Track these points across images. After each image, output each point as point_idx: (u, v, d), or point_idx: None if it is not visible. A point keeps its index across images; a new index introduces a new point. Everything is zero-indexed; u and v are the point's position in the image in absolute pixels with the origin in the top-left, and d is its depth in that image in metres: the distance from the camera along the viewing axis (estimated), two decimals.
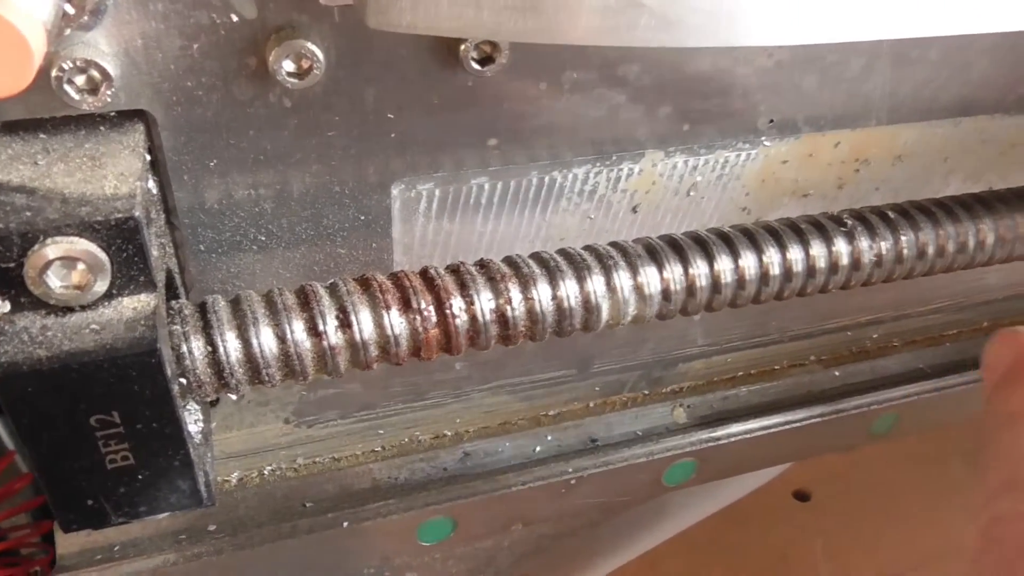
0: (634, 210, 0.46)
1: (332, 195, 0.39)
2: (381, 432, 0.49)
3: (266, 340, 0.33)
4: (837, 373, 0.58)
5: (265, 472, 0.48)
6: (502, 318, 0.37)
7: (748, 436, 0.53)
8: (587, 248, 0.39)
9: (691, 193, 0.46)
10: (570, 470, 0.50)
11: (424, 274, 0.36)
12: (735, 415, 0.55)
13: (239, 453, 0.47)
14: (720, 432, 0.53)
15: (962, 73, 0.46)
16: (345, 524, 0.46)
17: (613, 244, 0.39)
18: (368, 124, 0.37)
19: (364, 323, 0.35)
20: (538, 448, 0.52)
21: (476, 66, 0.36)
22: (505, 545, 0.59)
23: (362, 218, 0.40)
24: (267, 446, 0.47)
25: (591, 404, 0.54)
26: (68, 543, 0.43)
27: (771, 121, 0.44)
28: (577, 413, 0.53)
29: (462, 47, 0.35)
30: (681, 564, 1.00)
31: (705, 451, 0.53)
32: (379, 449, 0.50)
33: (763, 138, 0.45)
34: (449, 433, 0.51)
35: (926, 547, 1.03)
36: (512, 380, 0.50)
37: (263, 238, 0.39)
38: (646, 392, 0.55)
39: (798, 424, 0.55)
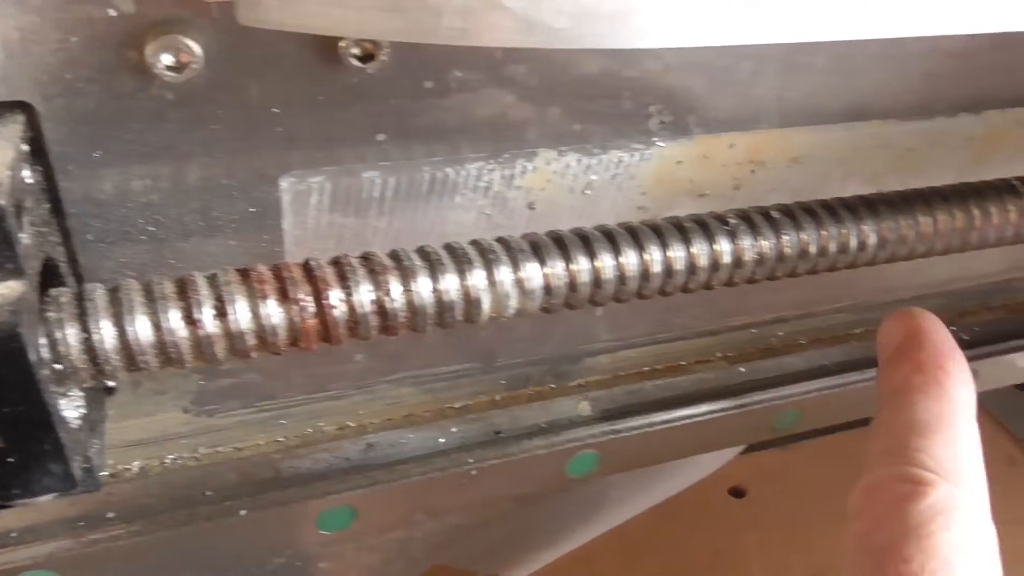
0: (531, 207, 0.47)
1: (220, 187, 0.39)
2: (284, 422, 0.50)
3: (141, 328, 0.34)
4: (743, 369, 0.60)
5: (167, 461, 0.48)
6: (381, 309, 0.38)
7: (650, 429, 0.55)
8: (472, 243, 0.40)
9: (587, 192, 0.47)
10: (471, 461, 0.51)
11: (305, 265, 0.37)
12: (639, 409, 0.56)
13: (139, 442, 0.47)
14: (622, 425, 0.54)
15: (850, 79, 0.48)
16: (243, 512, 0.47)
17: (499, 239, 0.40)
18: (253, 118, 0.38)
19: (241, 312, 0.35)
20: (442, 440, 0.52)
21: (357, 63, 0.37)
22: (417, 535, 0.60)
23: (252, 210, 0.41)
24: (168, 435, 0.47)
25: (497, 397, 0.55)
26: None
27: (662, 123, 0.46)
28: (482, 406, 0.54)
29: (341, 44, 0.36)
30: (615, 559, 1.01)
31: (607, 443, 0.54)
32: (282, 439, 0.50)
33: (655, 139, 0.46)
34: (353, 424, 0.52)
35: None
36: (415, 372, 0.51)
37: (152, 228, 0.39)
38: (552, 386, 0.56)
39: (700, 418, 0.56)
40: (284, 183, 0.40)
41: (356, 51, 0.36)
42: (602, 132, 0.45)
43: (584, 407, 0.56)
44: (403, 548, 0.60)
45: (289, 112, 0.38)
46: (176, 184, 0.39)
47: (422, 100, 0.40)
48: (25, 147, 0.34)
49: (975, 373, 0.65)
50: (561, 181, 0.46)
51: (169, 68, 0.34)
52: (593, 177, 0.47)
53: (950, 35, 0.48)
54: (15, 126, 0.34)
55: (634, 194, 0.48)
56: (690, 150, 0.48)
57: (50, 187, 0.37)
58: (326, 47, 0.36)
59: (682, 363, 0.59)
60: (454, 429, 0.53)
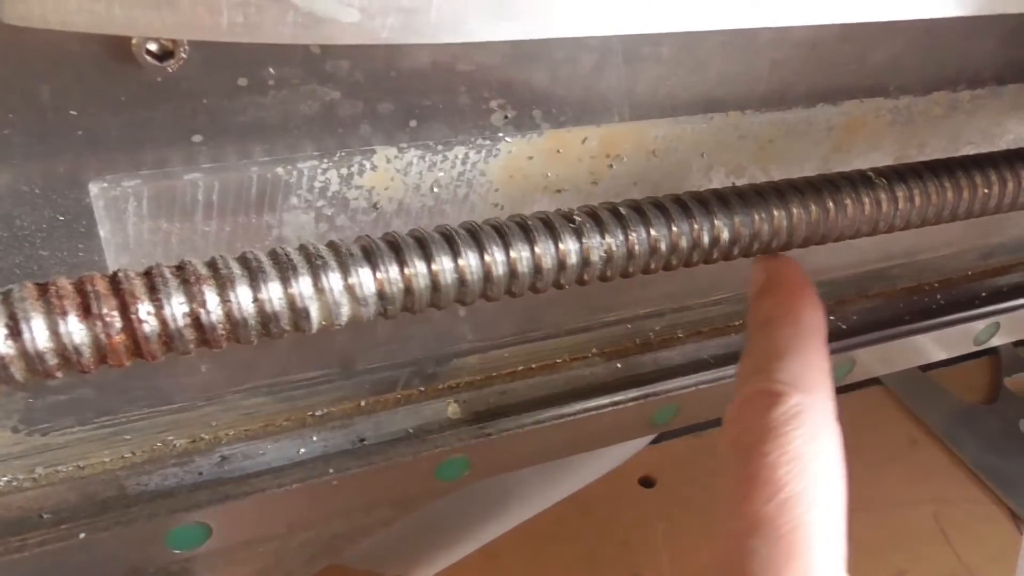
0: (375, 207, 0.45)
1: (21, 195, 0.37)
2: (128, 437, 0.47)
3: None
4: (619, 365, 0.59)
5: (0, 483, 0.46)
6: (197, 322, 0.36)
7: (519, 431, 0.54)
8: (299, 248, 0.38)
9: (435, 189, 0.46)
10: (331, 471, 0.49)
11: (112, 278, 0.35)
12: (511, 410, 0.55)
13: None
14: (491, 427, 0.53)
15: (698, 70, 0.47)
16: (82, 535, 0.45)
17: (329, 244, 0.39)
18: (48, 122, 0.35)
19: (37, 331, 0.33)
20: (303, 450, 0.51)
21: (155, 61, 0.34)
22: (292, 547, 0.58)
23: (61, 219, 0.38)
24: None
25: (362, 403, 0.53)
26: None
27: (506, 117, 0.44)
28: (346, 412, 0.52)
29: (133, 41, 0.34)
30: (524, 553, 1.01)
31: (477, 446, 0.53)
32: (128, 455, 0.48)
33: (501, 134, 0.45)
34: (206, 436, 0.49)
35: None
36: (269, 380, 0.49)
37: None
38: (421, 389, 0.54)
39: (572, 417, 0.55)
40: (94, 188, 0.38)
41: (152, 48, 0.34)
42: (441, 128, 0.43)
43: (454, 409, 0.55)
44: (279, 559, 0.58)
45: (89, 114, 0.36)
46: None
47: (238, 98, 0.38)
48: None
49: (853, 361, 0.66)
50: (405, 179, 0.44)
51: None
52: (440, 174, 0.45)
53: (795, 26, 0.48)
54: None
55: (486, 191, 0.47)
56: (540, 145, 0.46)
57: None
58: (118, 45, 0.34)
59: (557, 361, 0.58)
60: (315, 438, 0.51)
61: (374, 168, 0.43)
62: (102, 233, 0.40)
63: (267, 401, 0.50)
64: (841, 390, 1.19)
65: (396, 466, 0.51)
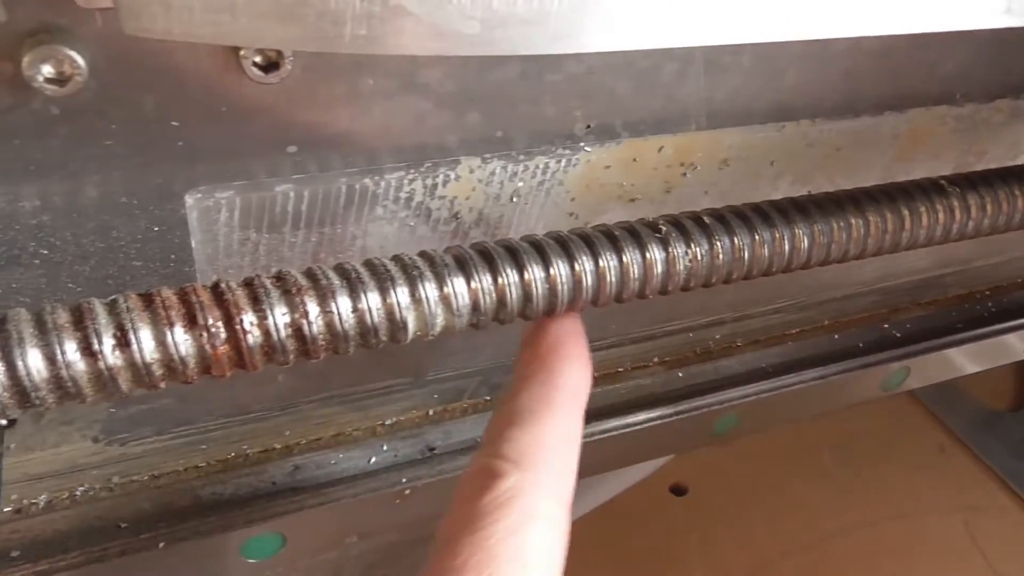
0: (456, 216, 0.45)
1: (119, 206, 0.37)
2: (204, 447, 0.47)
3: (33, 362, 0.31)
4: (680, 374, 0.59)
5: (77, 493, 0.45)
6: (299, 333, 0.35)
7: (586, 440, 0.53)
8: (393, 258, 0.38)
9: (515, 199, 0.46)
10: (404, 480, 0.49)
11: (215, 288, 0.35)
12: None
13: (45, 474, 0.44)
14: None
15: (775, 80, 0.47)
16: (161, 545, 0.44)
17: (421, 254, 0.39)
18: (151, 133, 0.35)
19: (145, 341, 0.33)
20: (373, 459, 0.51)
21: (259, 73, 0.34)
22: (352, 555, 0.57)
23: (156, 229, 0.38)
24: (77, 466, 0.45)
25: (430, 412, 0.53)
26: None
27: (588, 127, 0.44)
28: (415, 421, 0.52)
29: (241, 53, 0.34)
30: None
31: None
32: (202, 465, 0.48)
33: (582, 144, 0.45)
34: (278, 446, 0.49)
35: (795, 535, 1.06)
36: (343, 390, 0.49)
37: (45, 252, 0.37)
38: (487, 398, 0.54)
39: (639, 427, 0.55)
40: (189, 199, 0.38)
41: (258, 60, 0.34)
42: (525, 138, 0.43)
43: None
44: (338, 569, 0.58)
45: (190, 125, 0.35)
46: (70, 204, 0.36)
47: (333, 110, 0.38)
48: None
49: (908, 369, 0.66)
50: (486, 189, 0.44)
51: (50, 80, 0.32)
52: (520, 184, 0.45)
53: (870, 36, 0.48)
54: None
55: (563, 200, 0.47)
56: (618, 154, 0.46)
57: None
58: (226, 56, 0.34)
59: (620, 369, 0.58)
60: (385, 447, 0.51)
61: (457, 178, 0.43)
62: (194, 243, 0.39)
63: (339, 411, 0.50)
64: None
65: None
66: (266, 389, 0.47)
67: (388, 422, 0.52)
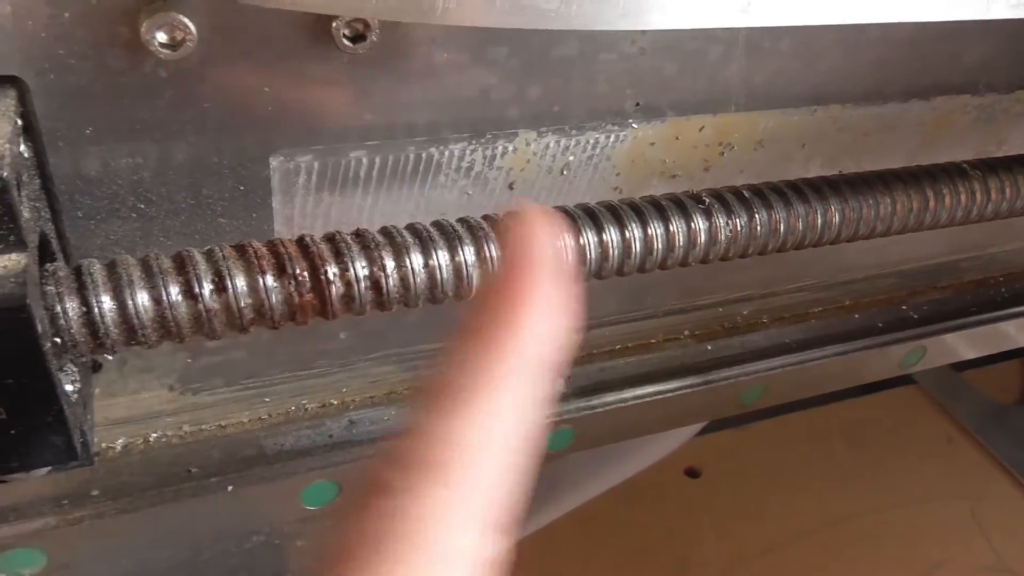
0: (510, 187, 0.48)
1: (210, 165, 0.40)
2: (267, 400, 0.50)
3: (141, 301, 0.35)
4: (709, 347, 0.62)
5: (151, 439, 0.49)
6: (376, 284, 0.39)
7: (622, 405, 0.57)
8: (460, 220, 0.41)
9: (564, 172, 0.49)
10: None
11: (300, 241, 0.38)
12: (612, 386, 0.58)
13: (123, 420, 0.47)
14: (596, 401, 0.56)
15: (812, 64, 0.50)
16: (230, 488, 0.48)
17: (485, 217, 0.42)
18: (244, 97, 0.38)
19: (239, 287, 0.36)
20: None
21: (348, 43, 0.38)
22: None
23: (241, 188, 0.41)
24: (152, 413, 0.48)
25: None
26: None
27: (637, 104, 0.47)
28: None
29: (334, 24, 0.37)
30: (574, 539, 1.03)
31: (582, 419, 0.56)
32: (265, 416, 0.51)
33: (630, 121, 0.48)
34: (335, 402, 0.52)
35: (808, 519, 1.09)
36: (397, 350, 0.52)
37: (142, 206, 0.40)
38: None
39: (671, 394, 0.58)
40: (274, 162, 0.41)
41: (347, 32, 0.37)
42: (579, 113, 0.46)
43: (559, 384, 0.58)
44: None
45: (279, 91, 0.39)
46: (166, 162, 0.39)
47: (408, 81, 0.41)
48: (20, 121, 0.34)
49: (924, 349, 0.69)
50: (540, 162, 0.47)
51: (164, 45, 0.35)
52: (571, 158, 0.48)
53: (902, 23, 0.51)
54: (8, 101, 0.34)
55: (609, 175, 0.50)
56: (663, 132, 0.49)
57: (40, 163, 0.37)
58: (318, 27, 0.37)
59: (652, 341, 0.61)
60: None
61: (515, 150, 0.46)
62: (274, 204, 0.43)
63: (393, 370, 0.53)
64: (876, 388, 1.21)
65: None
66: (328, 346, 0.50)
67: None
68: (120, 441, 0.48)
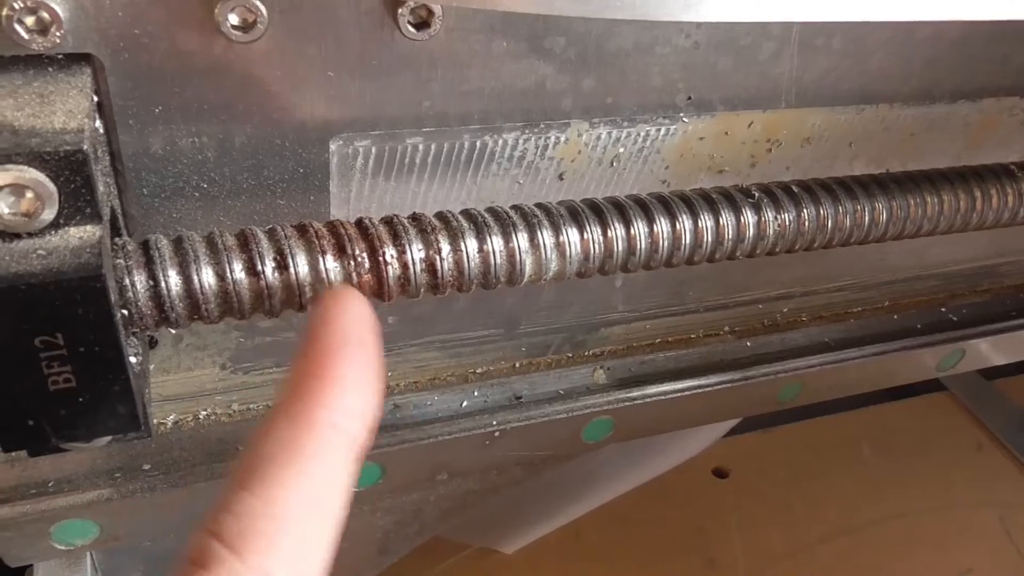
0: (560, 178, 0.49)
1: (273, 147, 0.41)
2: None
3: (206, 277, 0.36)
4: (748, 344, 0.62)
5: (200, 416, 0.49)
6: (431, 267, 0.39)
7: (662, 398, 0.57)
8: (514, 207, 0.42)
9: (614, 164, 0.49)
10: (494, 423, 0.53)
11: (359, 223, 0.39)
12: (651, 379, 0.58)
13: (176, 396, 0.48)
14: (636, 393, 0.57)
15: (861, 63, 0.50)
16: None
17: (538, 205, 0.42)
18: (308, 81, 0.39)
19: (300, 266, 0.37)
20: (465, 403, 0.54)
21: (412, 30, 0.38)
22: (431, 500, 0.61)
23: (301, 171, 0.42)
24: (203, 391, 0.49)
25: (517, 364, 0.57)
26: (2, 478, 0.45)
27: (689, 98, 0.48)
28: (503, 371, 0.56)
29: (400, 11, 0.37)
30: (602, 535, 1.04)
31: (621, 410, 0.56)
32: None
33: (681, 114, 0.48)
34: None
35: (836, 522, 1.09)
36: (442, 337, 0.53)
37: (205, 185, 0.41)
38: (570, 355, 0.58)
39: (709, 388, 0.58)
40: (333, 146, 0.42)
41: (412, 18, 0.38)
42: (632, 106, 0.47)
43: (600, 375, 0.58)
44: (418, 511, 0.62)
45: (342, 76, 0.39)
46: (230, 142, 0.40)
47: (467, 69, 0.41)
48: (95, 98, 0.35)
49: (962, 352, 0.68)
50: (591, 153, 0.48)
51: (236, 27, 0.36)
52: (621, 150, 0.49)
53: (952, 23, 0.51)
54: (84, 78, 0.35)
55: (658, 168, 0.50)
56: (712, 127, 0.50)
57: (109, 140, 0.38)
58: (384, 13, 0.38)
59: (692, 336, 0.61)
60: (476, 393, 0.55)
61: (567, 141, 0.47)
62: (331, 187, 0.43)
63: (437, 356, 0.54)
64: (907, 395, 1.20)
65: (551, 422, 0.54)
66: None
67: (479, 371, 0.56)
68: (171, 417, 0.49)
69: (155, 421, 0.48)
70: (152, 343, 0.46)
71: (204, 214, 0.42)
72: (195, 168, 0.40)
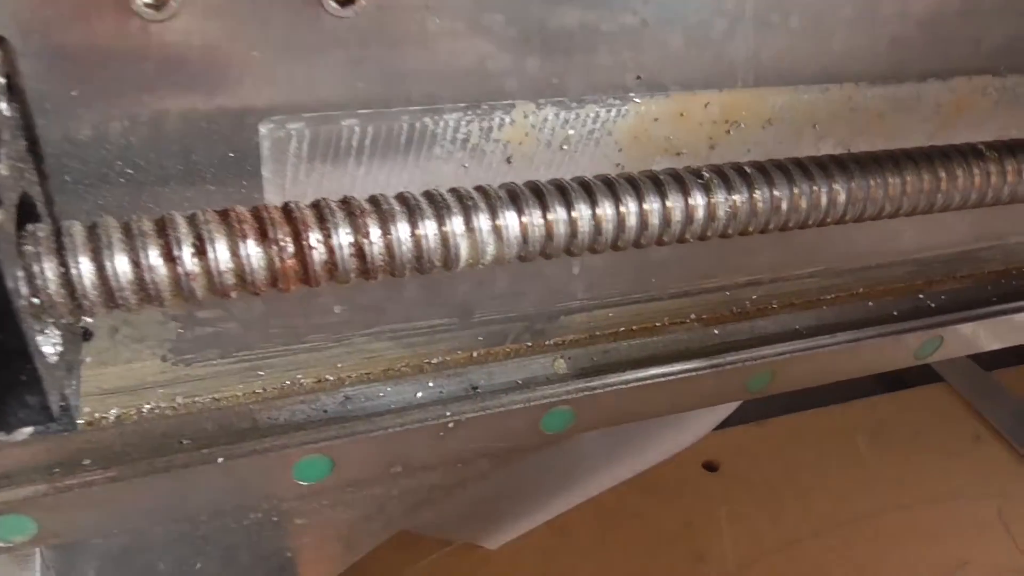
0: (508, 161, 0.47)
1: (199, 131, 0.40)
2: (262, 374, 0.50)
3: (120, 264, 0.34)
4: (716, 332, 0.61)
5: (144, 410, 0.48)
6: (360, 252, 0.38)
7: (623, 387, 0.56)
8: (451, 190, 0.40)
9: (564, 147, 0.48)
10: (448, 413, 0.52)
11: (284, 207, 0.38)
12: (615, 368, 0.57)
13: (116, 390, 0.47)
14: (596, 382, 0.55)
15: (823, 42, 0.48)
16: (220, 460, 0.47)
17: (477, 188, 0.41)
18: (234, 62, 0.38)
19: (220, 251, 0.36)
20: (419, 394, 0.53)
21: (336, 6, 0.37)
22: (395, 493, 0.60)
23: (231, 155, 0.41)
24: (145, 383, 0.48)
25: (474, 354, 0.55)
26: None
27: (639, 78, 0.46)
28: (460, 362, 0.55)
29: None
30: (591, 529, 1.03)
31: (581, 400, 0.55)
32: (260, 391, 0.51)
33: (632, 95, 0.47)
34: (331, 377, 0.52)
35: (828, 515, 1.07)
36: (393, 326, 0.52)
37: (131, 171, 0.40)
38: (529, 344, 0.57)
39: (673, 377, 0.57)
40: (263, 129, 0.41)
41: None
42: (579, 86, 0.45)
43: (560, 365, 0.57)
44: (381, 506, 0.61)
45: (268, 56, 0.38)
46: (156, 127, 0.39)
47: (401, 47, 0.40)
48: (2, 80, 0.34)
49: (940, 339, 0.67)
50: (539, 135, 0.47)
51: (148, 6, 0.34)
52: (570, 132, 0.47)
53: (918, 1, 0.49)
54: None
55: (611, 151, 0.49)
56: (667, 107, 0.48)
57: (27, 124, 0.37)
58: None
59: (657, 324, 0.60)
60: (431, 384, 0.53)
61: (512, 122, 0.45)
62: (264, 172, 0.42)
63: (389, 346, 0.53)
64: (905, 385, 1.19)
65: (506, 413, 0.53)
66: (323, 320, 0.49)
67: (435, 360, 0.54)
68: (113, 411, 0.48)
69: (96, 415, 0.47)
70: (87, 335, 0.45)
71: (131, 200, 0.40)
72: (119, 153, 0.39)
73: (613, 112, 0.47)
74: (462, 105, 0.44)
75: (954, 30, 0.52)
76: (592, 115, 0.47)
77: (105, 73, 0.36)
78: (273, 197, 0.43)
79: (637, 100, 0.47)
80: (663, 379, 0.57)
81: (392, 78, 0.41)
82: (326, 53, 0.39)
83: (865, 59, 0.51)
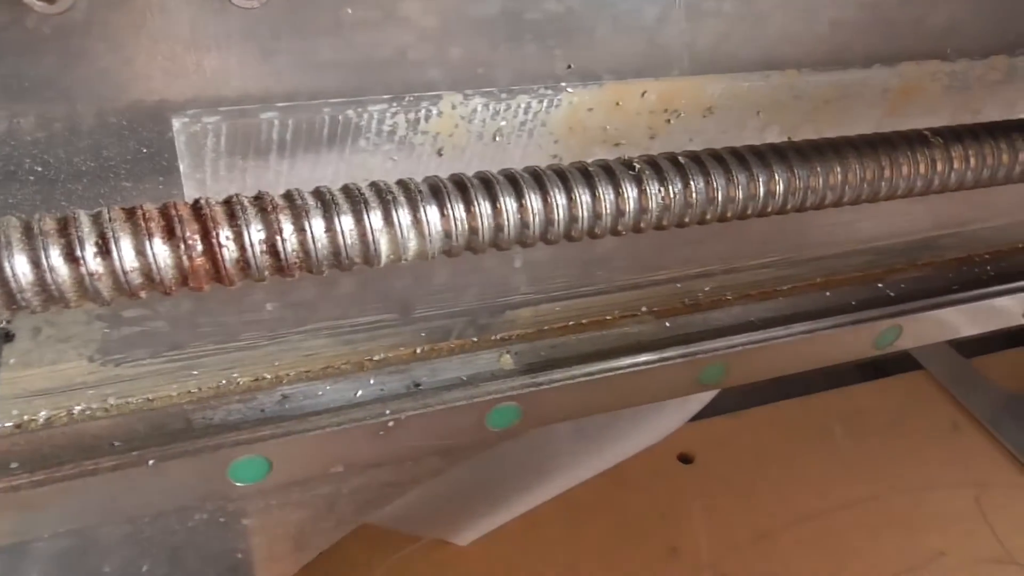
0: (439, 153, 0.46)
1: (109, 126, 0.39)
2: (196, 373, 0.49)
3: (19, 265, 0.34)
4: (668, 324, 0.60)
5: (74, 411, 0.48)
6: (273, 249, 0.37)
7: (570, 382, 0.55)
8: (370, 184, 0.40)
9: (497, 139, 0.47)
10: (387, 412, 0.51)
11: (194, 204, 0.37)
12: (563, 363, 0.56)
13: (44, 391, 0.46)
14: (542, 378, 0.54)
15: (760, 26, 0.48)
16: (151, 462, 0.47)
17: (398, 182, 0.40)
18: (138, 54, 0.37)
19: (125, 251, 0.35)
20: (360, 392, 0.52)
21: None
22: (345, 492, 0.59)
23: (144, 151, 0.40)
24: (73, 385, 0.47)
25: (417, 350, 0.55)
26: None
27: (569, 67, 0.45)
28: (402, 358, 0.54)
29: None
30: (563, 523, 1.02)
31: (528, 396, 0.54)
32: (195, 390, 0.50)
33: (563, 84, 0.46)
34: (268, 376, 0.51)
35: (804, 505, 1.06)
36: (328, 323, 0.51)
37: (40, 169, 0.39)
38: (474, 339, 0.56)
39: (623, 371, 0.56)
40: (177, 123, 0.40)
41: None
42: (507, 75, 0.44)
43: (507, 360, 0.56)
44: (331, 505, 0.60)
45: (175, 49, 0.37)
46: (64, 123, 0.38)
47: (317, 38, 0.39)
48: None
49: (899, 328, 0.66)
50: (469, 127, 0.46)
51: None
52: (503, 123, 0.46)
53: None
54: None
55: (546, 142, 0.48)
56: (601, 97, 0.47)
57: None
58: None
59: (607, 317, 0.59)
60: (372, 381, 0.53)
61: (440, 114, 0.45)
62: (182, 168, 0.41)
63: (328, 344, 0.52)
64: (884, 373, 1.18)
65: (449, 410, 0.52)
66: (255, 317, 0.49)
67: (376, 358, 0.54)
68: (42, 413, 0.47)
69: (24, 417, 0.47)
70: (8, 336, 0.44)
71: (43, 199, 0.40)
72: (26, 150, 0.38)
73: (545, 102, 0.46)
74: (386, 96, 0.43)
75: (895, 13, 0.51)
76: (523, 106, 0.46)
77: (4, 68, 0.35)
78: (193, 193, 0.42)
79: (569, 90, 0.46)
80: (611, 374, 0.56)
81: (309, 70, 0.40)
82: (236, 45, 0.38)
83: (805, 44, 0.50)
